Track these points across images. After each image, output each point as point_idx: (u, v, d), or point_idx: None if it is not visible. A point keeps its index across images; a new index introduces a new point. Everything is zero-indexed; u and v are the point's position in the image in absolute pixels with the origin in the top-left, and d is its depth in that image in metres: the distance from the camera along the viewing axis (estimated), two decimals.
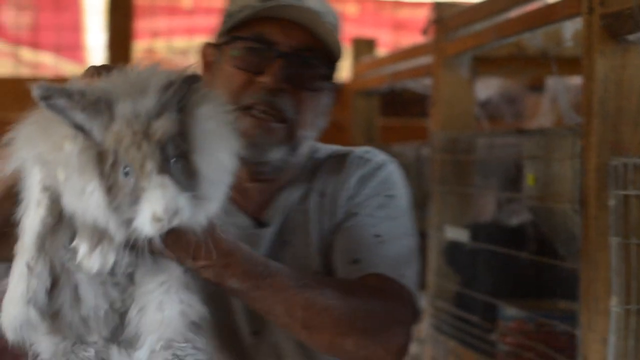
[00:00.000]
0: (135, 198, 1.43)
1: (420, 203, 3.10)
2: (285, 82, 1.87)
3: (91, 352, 1.58)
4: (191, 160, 1.49)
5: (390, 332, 1.75)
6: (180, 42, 6.90)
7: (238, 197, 1.94)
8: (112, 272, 1.56)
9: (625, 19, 2.03)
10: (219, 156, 1.53)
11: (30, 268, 1.53)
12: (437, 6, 3.43)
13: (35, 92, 1.44)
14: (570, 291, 2.31)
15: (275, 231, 1.96)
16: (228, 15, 1.95)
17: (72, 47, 6.82)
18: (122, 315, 1.59)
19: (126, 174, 1.43)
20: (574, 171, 2.33)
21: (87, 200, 1.45)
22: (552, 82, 4.24)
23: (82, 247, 1.51)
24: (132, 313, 1.58)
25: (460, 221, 3.26)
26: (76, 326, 1.58)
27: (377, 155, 2.02)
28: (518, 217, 3.32)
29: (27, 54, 6.62)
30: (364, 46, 4.92)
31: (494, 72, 4.00)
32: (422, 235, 3.01)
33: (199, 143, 1.50)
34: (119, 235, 1.48)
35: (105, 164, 1.44)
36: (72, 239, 1.53)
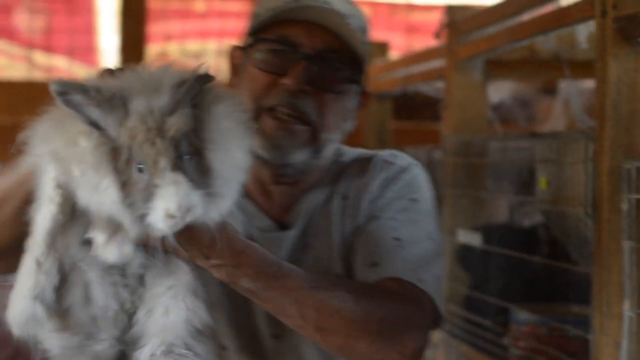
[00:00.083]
0: (148, 194, 1.43)
1: None
2: (308, 84, 1.86)
3: (100, 347, 1.59)
4: (205, 158, 1.49)
5: (405, 335, 1.73)
6: (193, 45, 6.92)
7: (261, 199, 1.94)
8: (124, 272, 1.57)
9: (639, 21, 2.02)
10: (233, 154, 1.53)
11: (39, 264, 1.53)
12: (450, 9, 3.43)
13: (53, 87, 1.45)
14: (582, 295, 2.30)
15: (298, 234, 1.95)
16: (254, 17, 1.95)
17: (86, 51, 6.85)
18: (131, 316, 1.60)
19: (140, 170, 1.44)
20: (586, 174, 2.32)
21: (101, 195, 1.45)
22: (565, 86, 4.23)
23: (98, 237, 1.51)
24: (140, 314, 1.59)
25: (472, 225, 3.25)
26: (86, 325, 1.59)
27: (402, 159, 1.99)
28: (530, 221, 3.31)
29: (40, 57, 6.65)
30: (376, 49, 4.90)
31: (507, 75, 3.98)
32: None
33: (213, 140, 1.50)
34: (133, 231, 1.48)
35: (119, 160, 1.45)
36: (83, 237, 1.54)
